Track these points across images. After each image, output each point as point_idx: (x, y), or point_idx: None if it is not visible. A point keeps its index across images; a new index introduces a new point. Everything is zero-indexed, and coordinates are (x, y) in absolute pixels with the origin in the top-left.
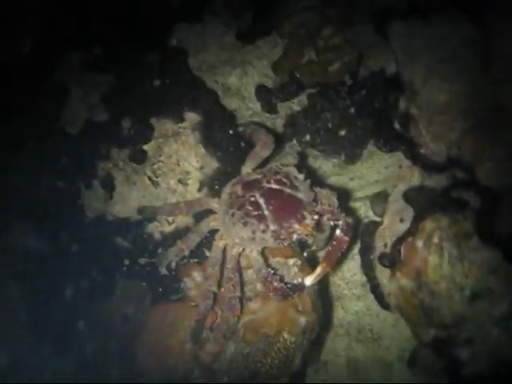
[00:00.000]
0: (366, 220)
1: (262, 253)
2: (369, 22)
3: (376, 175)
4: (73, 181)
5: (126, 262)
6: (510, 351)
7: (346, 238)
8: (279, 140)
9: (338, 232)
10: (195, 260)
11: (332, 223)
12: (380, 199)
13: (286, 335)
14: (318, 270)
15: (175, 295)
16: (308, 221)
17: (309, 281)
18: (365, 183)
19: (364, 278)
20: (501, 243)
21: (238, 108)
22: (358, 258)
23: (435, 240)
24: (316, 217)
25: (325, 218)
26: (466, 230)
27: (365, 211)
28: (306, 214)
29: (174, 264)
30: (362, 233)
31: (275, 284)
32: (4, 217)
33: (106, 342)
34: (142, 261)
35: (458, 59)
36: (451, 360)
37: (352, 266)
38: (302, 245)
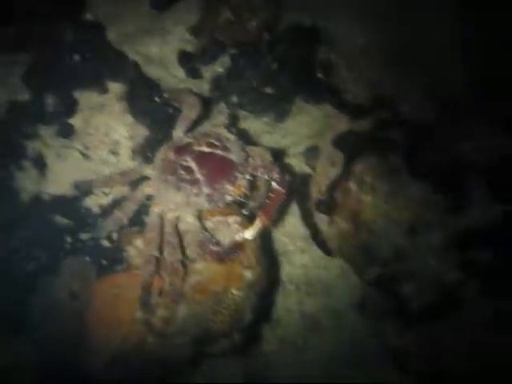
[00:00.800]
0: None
1: (199, 215)
2: None
3: (307, 130)
4: (3, 165)
5: (68, 238)
6: (449, 280)
7: (282, 190)
8: (207, 104)
9: (273, 184)
10: (136, 228)
11: (266, 177)
12: (313, 152)
13: (233, 291)
14: (257, 222)
15: (120, 265)
16: (240, 181)
17: (249, 234)
18: (297, 139)
19: (307, 232)
20: (430, 175)
21: (163, 77)
22: (299, 212)
23: (367, 180)
24: (248, 176)
25: (259, 173)
26: (396, 167)
27: (300, 166)
28: (238, 174)
29: (115, 235)
30: (298, 185)
31: (212, 248)
32: None
33: (55, 319)
34: (84, 236)
35: (369, 3)
36: (396, 296)
37: (294, 221)
38: (240, 204)
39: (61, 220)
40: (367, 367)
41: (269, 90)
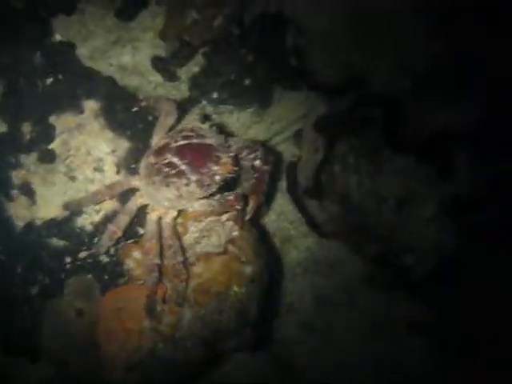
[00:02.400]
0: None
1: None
2: None
3: (294, 113)
4: None
5: (67, 259)
6: (451, 247)
7: (266, 167)
8: (183, 107)
9: (257, 163)
10: (131, 240)
11: (251, 156)
12: (300, 137)
13: (235, 288)
14: (250, 201)
15: (122, 279)
16: (225, 159)
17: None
18: (286, 123)
19: None
20: (411, 148)
21: (140, 84)
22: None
23: (350, 161)
24: (232, 154)
25: (243, 154)
26: (377, 144)
27: (292, 151)
28: (220, 154)
29: (112, 249)
30: (286, 172)
31: (230, 198)
32: None
33: (65, 338)
34: (82, 254)
35: None
36: (399, 269)
37: (293, 207)
38: (230, 184)
39: (57, 242)
40: (384, 337)
41: (247, 82)
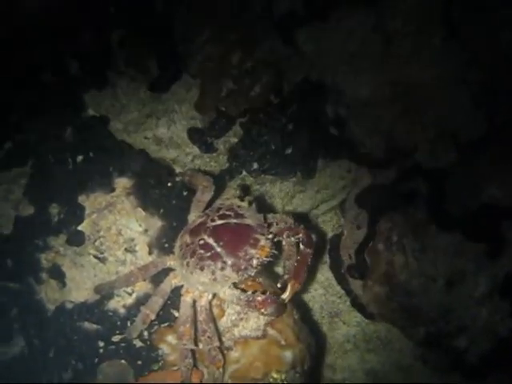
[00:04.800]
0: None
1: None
2: (274, 35)
3: (339, 182)
4: (23, 281)
5: (100, 343)
6: (504, 327)
7: (309, 251)
8: (228, 175)
9: (300, 246)
10: (166, 324)
11: (293, 239)
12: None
13: (274, 375)
14: (289, 287)
15: (156, 364)
16: (263, 242)
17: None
18: (331, 192)
19: None
20: (458, 223)
21: (176, 156)
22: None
23: (394, 238)
24: (270, 236)
25: (284, 236)
26: (421, 220)
27: (337, 221)
28: (258, 236)
29: (146, 333)
30: (329, 248)
31: (259, 298)
32: None
33: None
34: (115, 338)
35: (368, 49)
36: (451, 352)
37: None
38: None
39: (89, 326)
40: None
41: (288, 151)
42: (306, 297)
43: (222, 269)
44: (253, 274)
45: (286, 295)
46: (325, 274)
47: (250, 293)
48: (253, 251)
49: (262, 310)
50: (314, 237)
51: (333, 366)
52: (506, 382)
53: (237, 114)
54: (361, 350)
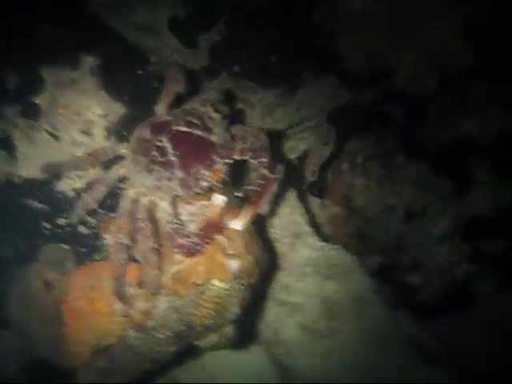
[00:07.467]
0: None
1: (174, 201)
2: None
3: (323, 99)
4: None
5: (46, 224)
6: (461, 271)
7: (273, 176)
8: (197, 78)
9: (263, 170)
10: (114, 214)
11: (256, 162)
12: None
13: (216, 283)
14: (242, 214)
15: (99, 254)
16: (218, 166)
17: (236, 224)
18: (314, 110)
19: None
20: (429, 156)
21: (155, 46)
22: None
23: (359, 160)
24: (229, 160)
25: (248, 157)
26: (391, 146)
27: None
28: (216, 158)
29: (93, 221)
30: (296, 164)
31: (179, 240)
32: None
33: (31, 311)
34: (61, 221)
35: None
36: (404, 288)
37: None
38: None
39: (36, 204)
40: (390, 354)
41: (274, 59)
42: None
43: (169, 179)
44: (194, 195)
45: (237, 222)
46: (293, 193)
47: (178, 225)
48: (206, 172)
49: (175, 251)
50: (280, 161)
51: (288, 287)
52: (454, 326)
53: (224, 11)
54: (320, 275)
